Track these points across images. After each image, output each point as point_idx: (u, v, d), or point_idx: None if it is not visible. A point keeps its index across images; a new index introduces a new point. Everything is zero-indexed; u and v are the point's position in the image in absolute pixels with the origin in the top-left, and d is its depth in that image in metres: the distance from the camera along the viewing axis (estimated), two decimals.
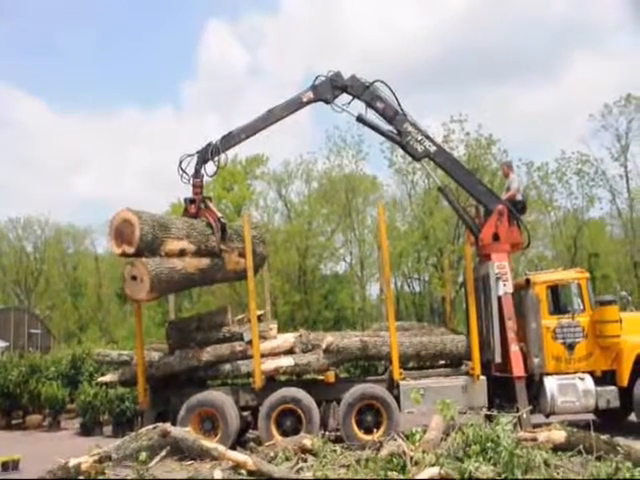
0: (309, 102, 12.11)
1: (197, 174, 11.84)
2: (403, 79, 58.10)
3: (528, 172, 34.46)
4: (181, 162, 11.95)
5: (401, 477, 7.04)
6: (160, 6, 79.44)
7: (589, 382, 11.07)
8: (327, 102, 12.15)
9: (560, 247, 36.46)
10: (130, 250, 10.19)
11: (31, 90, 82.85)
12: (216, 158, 11.86)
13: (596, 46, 67.48)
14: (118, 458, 7.69)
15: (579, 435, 7.91)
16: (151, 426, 8.31)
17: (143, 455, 7.72)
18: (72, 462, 7.24)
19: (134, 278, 10.11)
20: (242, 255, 11.76)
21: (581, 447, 7.67)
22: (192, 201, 11.83)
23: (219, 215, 11.63)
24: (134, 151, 74.39)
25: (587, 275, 12.00)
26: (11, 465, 10.51)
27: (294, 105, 12.09)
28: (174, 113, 79.82)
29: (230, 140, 11.97)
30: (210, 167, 12.06)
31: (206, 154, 11.80)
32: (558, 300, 11.96)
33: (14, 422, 17.14)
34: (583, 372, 11.20)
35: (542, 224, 37.14)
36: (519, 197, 12.51)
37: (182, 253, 10.88)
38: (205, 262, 11.32)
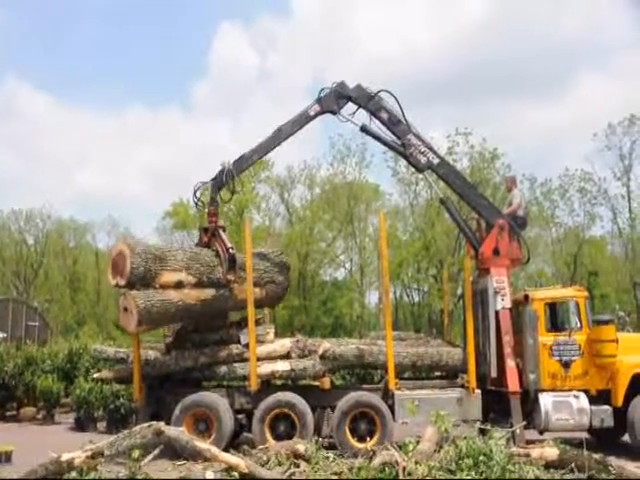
0: (316, 115, 12.13)
1: (212, 202, 11.83)
2: (411, 89, 58.26)
3: (531, 187, 34.67)
4: (196, 191, 12.03)
5: None
6: (174, 7, 79.80)
7: (584, 400, 11.07)
8: (334, 113, 12.20)
9: (560, 264, 36.52)
10: (122, 282, 10.37)
11: (39, 84, 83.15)
12: (230, 183, 11.81)
13: (603, 65, 67.72)
14: (111, 455, 7.72)
15: (572, 453, 7.94)
16: (145, 424, 8.34)
17: (136, 453, 7.75)
18: (65, 456, 7.26)
19: (125, 310, 10.30)
20: (256, 285, 11.69)
21: (573, 465, 7.70)
22: (206, 230, 11.85)
23: (229, 245, 11.48)
24: (139, 149, 74.58)
25: (586, 294, 12.01)
26: (4, 456, 10.51)
27: (302, 120, 12.10)
28: (182, 113, 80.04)
29: (243, 163, 12.02)
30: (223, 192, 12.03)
31: (221, 180, 11.81)
32: (556, 317, 11.97)
33: (8, 414, 17.14)
34: (578, 390, 11.19)
35: (543, 240, 37.23)
36: (520, 212, 12.52)
37: (179, 285, 10.87)
38: (209, 293, 11.27)
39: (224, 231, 11.96)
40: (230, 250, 11.42)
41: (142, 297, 10.24)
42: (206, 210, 11.94)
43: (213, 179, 11.89)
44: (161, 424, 8.34)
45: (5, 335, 24.82)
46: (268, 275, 12.34)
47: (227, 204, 13.35)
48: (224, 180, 11.79)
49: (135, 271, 10.31)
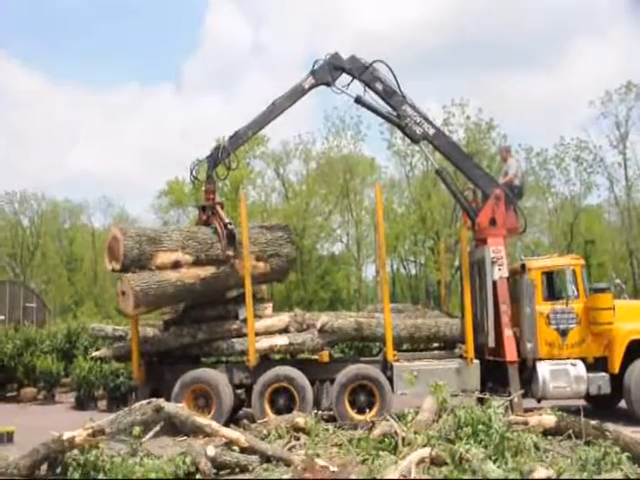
0: (311, 88, 11.96)
1: (209, 179, 11.70)
2: (404, 62, 57.65)
3: (527, 157, 34.48)
4: (192, 169, 11.95)
5: (392, 457, 7.11)
6: None
7: (581, 368, 11.14)
8: (328, 85, 12.04)
9: (557, 233, 36.53)
10: (117, 266, 10.38)
11: (30, 64, 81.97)
12: (226, 160, 11.68)
13: (598, 33, 66.96)
14: (112, 432, 7.71)
15: (569, 420, 7.99)
16: (145, 401, 8.34)
17: (137, 430, 7.76)
18: (66, 435, 7.25)
19: (123, 293, 10.31)
20: (259, 259, 11.64)
21: (571, 432, 7.76)
22: (204, 208, 11.75)
23: (227, 221, 11.38)
24: (133, 127, 73.78)
25: (582, 262, 12.02)
26: (5, 437, 10.56)
27: (296, 94, 11.92)
28: (174, 90, 79.22)
29: (237, 139, 11.87)
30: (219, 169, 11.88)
31: (216, 157, 11.68)
32: (553, 286, 12.01)
33: (8, 395, 17.21)
34: (575, 358, 11.26)
35: (539, 210, 37.16)
36: (517, 182, 12.45)
37: (177, 265, 10.83)
38: (209, 270, 11.17)
39: (222, 208, 11.87)
40: (228, 225, 11.34)
41: (138, 279, 10.23)
42: (203, 188, 11.84)
43: (209, 156, 11.76)
44: (161, 401, 8.35)
45: (3, 317, 24.81)
46: (272, 248, 12.11)
47: (222, 181, 13.24)
48: (220, 157, 11.68)
49: (129, 254, 10.30)
